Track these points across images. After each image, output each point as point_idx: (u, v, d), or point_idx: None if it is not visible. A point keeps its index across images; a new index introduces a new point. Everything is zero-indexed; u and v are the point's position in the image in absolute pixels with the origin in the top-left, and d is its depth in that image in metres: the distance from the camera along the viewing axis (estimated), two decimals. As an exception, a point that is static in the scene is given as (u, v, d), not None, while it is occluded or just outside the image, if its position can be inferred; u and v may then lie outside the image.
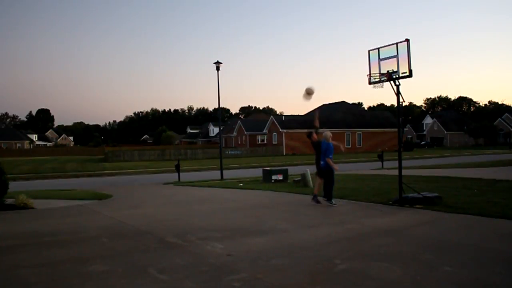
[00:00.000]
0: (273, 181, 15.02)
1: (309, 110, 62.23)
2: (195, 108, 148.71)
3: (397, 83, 8.73)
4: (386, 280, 4.12)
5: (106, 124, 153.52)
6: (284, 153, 47.06)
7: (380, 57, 8.99)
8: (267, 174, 15.42)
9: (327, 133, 9.36)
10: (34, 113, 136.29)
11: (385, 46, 8.91)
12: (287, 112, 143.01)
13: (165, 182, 17.05)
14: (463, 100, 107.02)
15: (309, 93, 9.20)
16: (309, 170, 13.79)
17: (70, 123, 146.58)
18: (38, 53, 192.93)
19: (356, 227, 6.78)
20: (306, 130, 10.17)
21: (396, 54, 8.61)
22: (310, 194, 11.25)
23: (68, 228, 7.25)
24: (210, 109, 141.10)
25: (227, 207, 9.65)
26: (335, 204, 9.05)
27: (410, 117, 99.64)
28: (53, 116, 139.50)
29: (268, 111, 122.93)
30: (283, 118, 51.36)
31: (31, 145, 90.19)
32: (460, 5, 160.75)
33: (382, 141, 50.03)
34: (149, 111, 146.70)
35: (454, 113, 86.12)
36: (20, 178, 21.80)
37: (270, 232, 6.55)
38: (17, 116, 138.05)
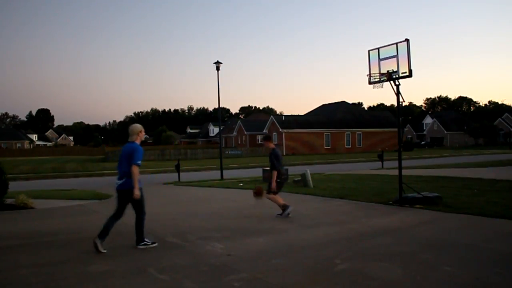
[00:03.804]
0: (273, 181, 14.98)
1: (309, 110, 62.29)
2: (195, 108, 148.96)
3: (397, 83, 8.73)
4: (386, 280, 4.12)
5: (106, 124, 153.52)
6: (284, 153, 47.03)
7: (380, 57, 8.98)
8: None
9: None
10: (34, 113, 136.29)
11: (385, 46, 8.91)
12: (287, 112, 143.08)
13: (165, 182, 17.04)
14: (463, 100, 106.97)
15: (257, 194, 8.11)
16: (309, 170, 13.77)
17: (70, 123, 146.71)
18: (38, 53, 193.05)
19: (356, 227, 6.78)
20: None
21: (396, 54, 8.60)
22: (310, 194, 11.25)
23: (68, 228, 7.25)
24: (210, 109, 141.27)
25: (227, 207, 9.64)
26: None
27: (410, 117, 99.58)
28: (53, 116, 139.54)
29: (268, 111, 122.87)
30: (283, 118, 51.31)
31: (31, 145, 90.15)
32: (461, 5, 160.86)
33: (382, 141, 50.01)
34: (149, 111, 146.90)
35: (454, 113, 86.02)
36: (20, 178, 21.79)
37: (270, 232, 6.55)
38: (17, 116, 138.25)
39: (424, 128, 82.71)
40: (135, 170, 5.38)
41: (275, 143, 50.15)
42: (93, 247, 5.32)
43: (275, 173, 7.76)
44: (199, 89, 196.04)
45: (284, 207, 7.84)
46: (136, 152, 5.42)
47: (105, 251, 5.33)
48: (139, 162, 5.44)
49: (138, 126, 5.71)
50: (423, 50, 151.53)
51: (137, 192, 5.38)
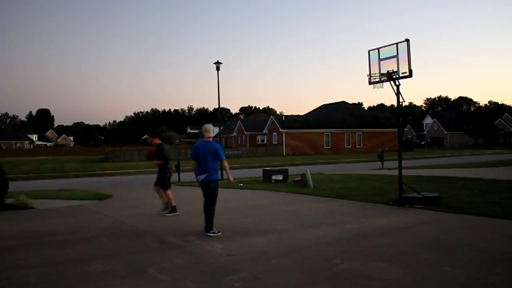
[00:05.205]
0: (273, 181, 15.00)
1: (309, 110, 62.28)
2: (195, 108, 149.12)
3: (397, 83, 8.73)
4: (386, 280, 4.12)
5: (106, 124, 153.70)
6: (284, 153, 47.03)
7: (380, 57, 8.98)
8: (267, 174, 15.41)
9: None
10: (34, 113, 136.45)
11: (385, 46, 8.90)
12: (287, 112, 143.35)
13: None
14: (463, 100, 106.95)
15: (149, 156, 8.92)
16: (309, 170, 13.77)
17: (70, 123, 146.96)
18: (38, 54, 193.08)
19: (356, 227, 6.78)
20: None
21: (396, 54, 8.60)
22: (310, 194, 11.25)
23: (68, 228, 7.24)
24: (210, 109, 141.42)
25: (227, 207, 9.63)
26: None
27: (410, 117, 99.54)
28: (53, 116, 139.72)
29: (268, 111, 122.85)
30: (283, 118, 51.29)
31: (31, 145, 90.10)
32: (461, 6, 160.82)
33: (382, 141, 49.99)
34: (149, 111, 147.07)
35: (454, 113, 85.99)
36: (20, 178, 21.78)
37: (270, 232, 6.55)
38: (17, 116, 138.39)
39: (424, 128, 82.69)
40: (226, 164, 6.53)
41: (275, 143, 50.29)
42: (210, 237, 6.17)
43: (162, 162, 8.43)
44: (199, 89, 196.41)
45: (173, 208, 8.35)
46: (220, 150, 6.49)
47: (220, 233, 6.32)
48: (224, 156, 6.52)
49: (212, 126, 6.84)
50: (423, 50, 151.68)
51: (231, 179, 6.64)
